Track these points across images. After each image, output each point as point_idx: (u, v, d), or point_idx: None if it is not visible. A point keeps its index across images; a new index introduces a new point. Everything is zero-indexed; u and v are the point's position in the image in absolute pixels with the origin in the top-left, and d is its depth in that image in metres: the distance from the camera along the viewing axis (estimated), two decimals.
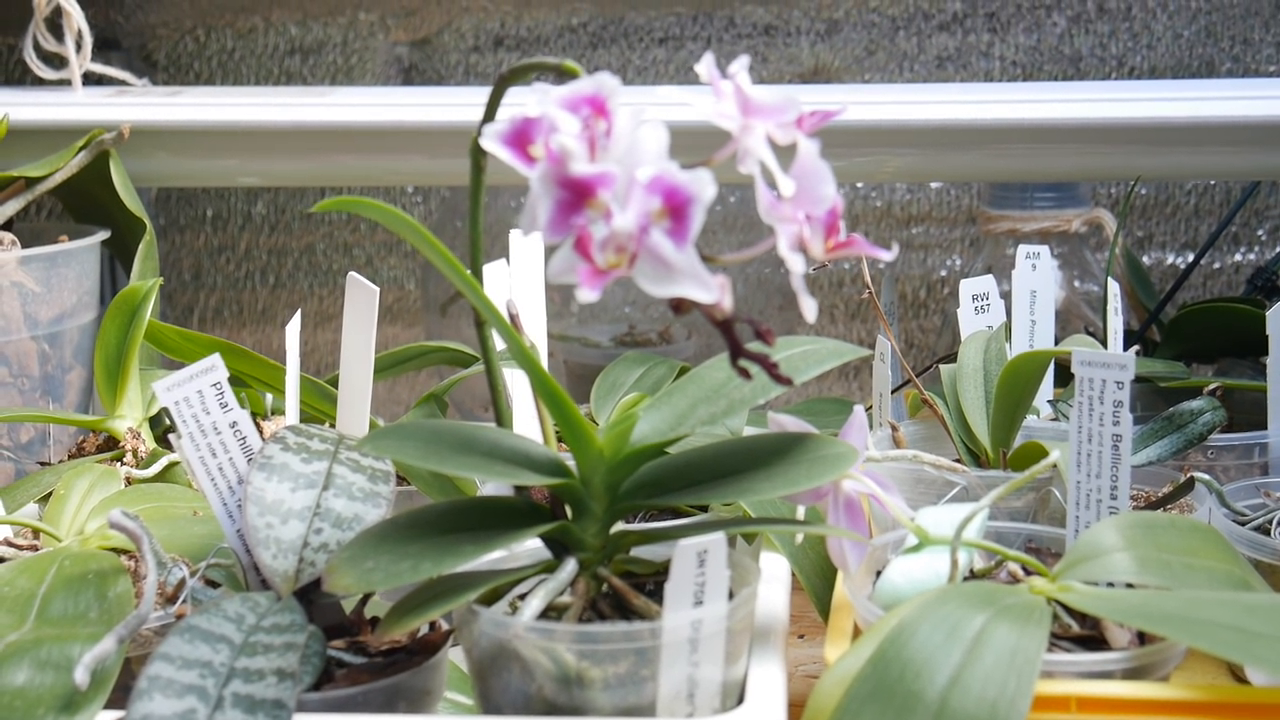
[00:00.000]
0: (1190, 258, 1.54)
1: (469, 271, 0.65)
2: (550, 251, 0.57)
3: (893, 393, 1.01)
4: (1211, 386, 1.00)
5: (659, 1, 1.55)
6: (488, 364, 0.69)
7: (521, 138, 0.58)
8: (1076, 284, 1.32)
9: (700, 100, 0.60)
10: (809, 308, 0.59)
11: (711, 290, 0.56)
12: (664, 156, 0.57)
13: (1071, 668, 0.65)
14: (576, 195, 0.56)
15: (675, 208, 0.56)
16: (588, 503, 0.67)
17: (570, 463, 0.68)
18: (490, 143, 0.58)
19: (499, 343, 0.69)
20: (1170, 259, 1.56)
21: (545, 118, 0.57)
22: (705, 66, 0.60)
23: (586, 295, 0.55)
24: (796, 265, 0.58)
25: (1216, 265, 1.54)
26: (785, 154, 0.61)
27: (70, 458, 0.98)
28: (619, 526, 0.69)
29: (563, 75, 0.61)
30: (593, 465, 0.67)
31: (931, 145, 1.20)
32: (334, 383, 0.97)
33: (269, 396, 1.06)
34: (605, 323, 1.45)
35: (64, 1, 1.23)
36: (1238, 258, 1.54)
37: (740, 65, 0.60)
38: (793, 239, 0.59)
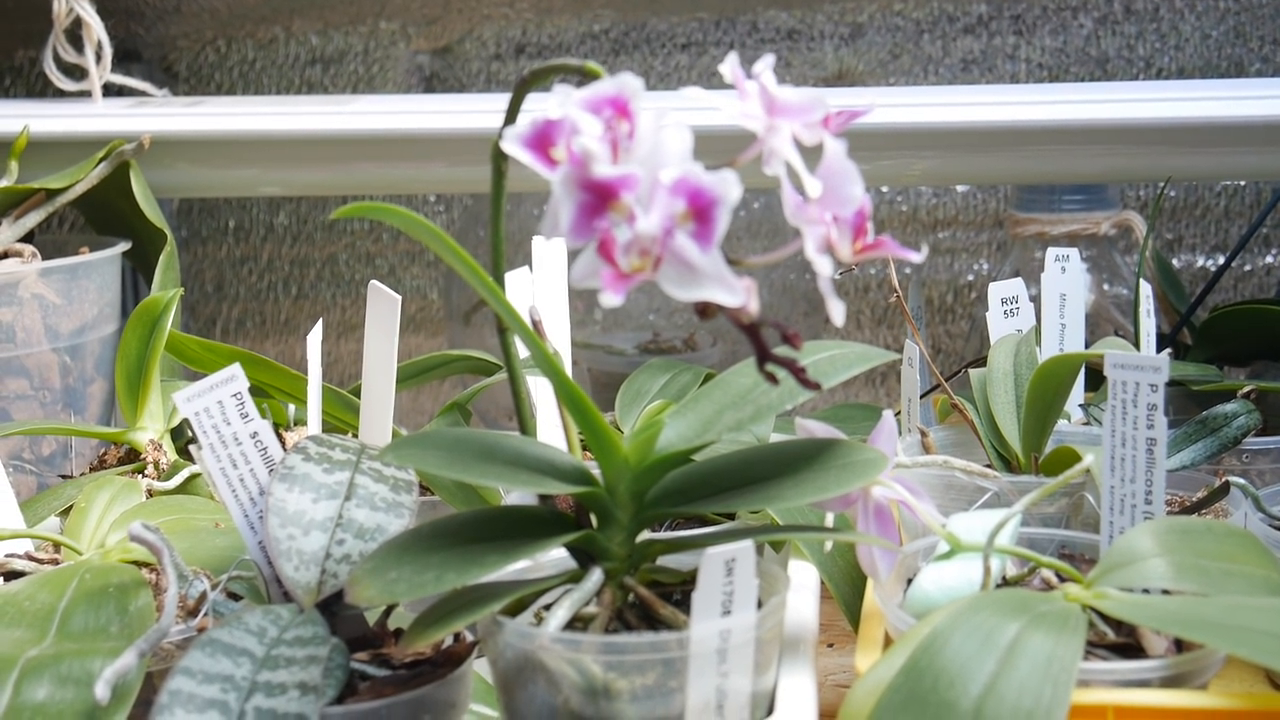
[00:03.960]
0: (1220, 260, 1.53)
1: (491, 278, 0.64)
2: (574, 257, 0.56)
3: (921, 398, 1.00)
4: (1245, 390, 0.99)
5: (681, 7, 1.54)
6: (511, 372, 0.68)
7: (543, 140, 0.57)
8: (1106, 287, 1.30)
9: (725, 101, 0.59)
10: (837, 311, 0.57)
11: (737, 293, 0.55)
12: (688, 158, 0.55)
13: (1108, 676, 0.64)
14: (599, 198, 0.55)
15: (700, 210, 0.55)
16: (613, 511, 0.66)
17: (595, 471, 0.67)
18: (511, 145, 0.57)
19: (522, 350, 0.68)
20: (1200, 261, 1.54)
21: (567, 120, 0.56)
22: (729, 67, 0.59)
23: (610, 300, 0.54)
24: (824, 268, 0.57)
25: (1248, 267, 1.52)
26: (811, 155, 0.60)
27: (92, 470, 0.98)
28: (645, 535, 0.68)
29: (585, 77, 0.60)
30: (618, 473, 0.66)
31: (957, 148, 1.19)
32: (357, 393, 0.96)
33: (291, 407, 1.05)
34: (629, 330, 1.44)
35: (83, 13, 1.23)
36: (1269, 259, 1.52)
37: (765, 64, 0.59)
38: (820, 241, 0.58)
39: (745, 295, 0.55)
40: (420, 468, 0.65)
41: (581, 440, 0.69)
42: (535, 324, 0.71)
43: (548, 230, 0.57)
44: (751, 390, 0.70)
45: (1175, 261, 1.53)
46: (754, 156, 0.60)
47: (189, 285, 1.62)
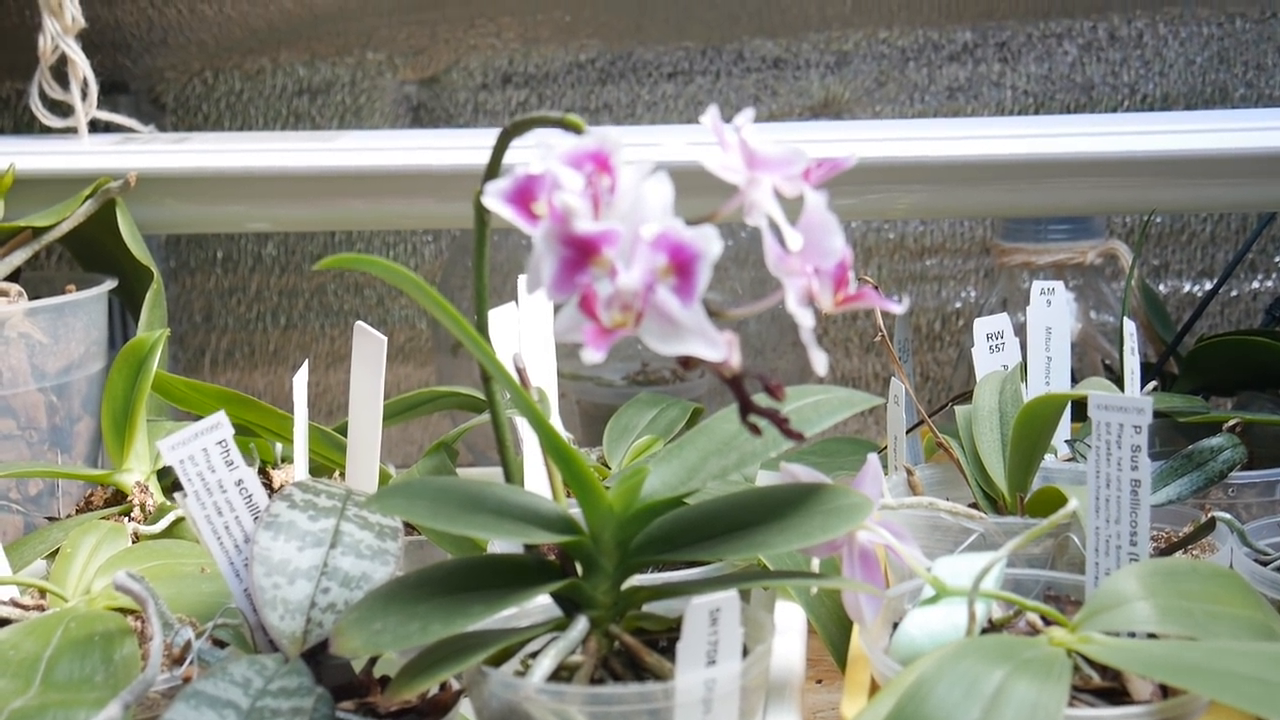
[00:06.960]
0: (1207, 285, 1.53)
1: (474, 328, 0.64)
2: (558, 306, 0.56)
3: (908, 432, 1.00)
4: (1231, 422, 0.99)
5: (667, 36, 1.54)
6: (495, 420, 0.68)
7: (524, 195, 0.57)
8: (1093, 315, 1.31)
9: (706, 152, 0.59)
10: (819, 361, 0.58)
11: (719, 348, 0.55)
12: (669, 212, 0.56)
13: None
14: (581, 253, 0.55)
15: (681, 264, 0.55)
16: (598, 559, 0.66)
17: (579, 514, 0.67)
18: (492, 200, 0.57)
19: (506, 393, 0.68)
20: (1187, 287, 1.54)
21: (548, 174, 0.56)
22: (710, 119, 0.59)
23: (592, 356, 0.54)
24: (806, 320, 0.57)
25: (1234, 293, 1.53)
26: (793, 203, 0.60)
27: (78, 511, 0.97)
28: (632, 580, 0.68)
29: (567, 128, 0.61)
30: (602, 521, 0.66)
31: (943, 182, 1.19)
32: (344, 430, 0.96)
33: (279, 445, 1.05)
34: (618, 361, 1.43)
35: (69, 50, 1.23)
36: (1255, 285, 1.53)
37: (745, 117, 0.59)
38: (801, 293, 0.58)
39: (727, 349, 0.55)
40: (405, 518, 0.65)
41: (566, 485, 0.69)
42: (519, 371, 0.71)
43: (530, 284, 0.57)
44: (736, 437, 0.70)
45: (1162, 288, 1.54)
46: (735, 208, 0.60)
47: (177, 316, 1.62)
